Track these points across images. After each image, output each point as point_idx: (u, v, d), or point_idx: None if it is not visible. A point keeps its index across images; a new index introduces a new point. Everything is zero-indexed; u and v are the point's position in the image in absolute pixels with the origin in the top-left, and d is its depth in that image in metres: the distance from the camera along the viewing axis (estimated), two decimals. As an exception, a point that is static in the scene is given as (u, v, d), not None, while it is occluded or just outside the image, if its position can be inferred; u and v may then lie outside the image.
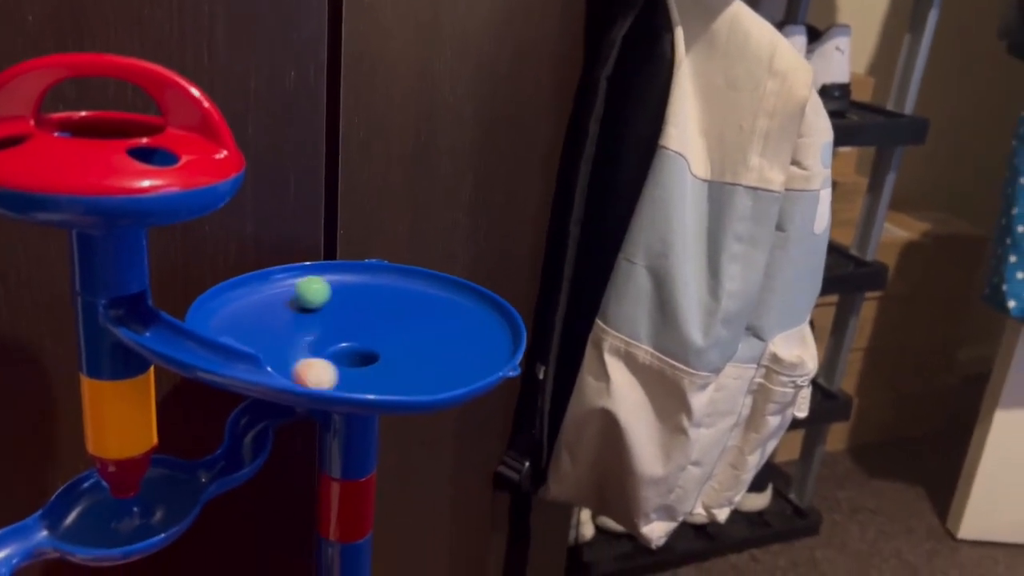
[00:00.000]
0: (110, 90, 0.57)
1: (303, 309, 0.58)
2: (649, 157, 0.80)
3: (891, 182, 1.43)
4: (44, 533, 0.50)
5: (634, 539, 1.41)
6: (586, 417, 0.85)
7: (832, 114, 1.34)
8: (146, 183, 0.41)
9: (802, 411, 0.90)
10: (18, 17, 0.53)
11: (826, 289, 1.43)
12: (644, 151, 0.80)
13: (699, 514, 0.94)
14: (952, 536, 1.65)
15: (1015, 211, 1.33)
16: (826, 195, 0.84)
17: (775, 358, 0.85)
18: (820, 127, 0.81)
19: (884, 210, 1.44)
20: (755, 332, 0.84)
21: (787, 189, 0.80)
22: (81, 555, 0.50)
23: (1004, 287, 1.36)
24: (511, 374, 0.51)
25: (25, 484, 0.63)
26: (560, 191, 0.85)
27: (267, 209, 0.63)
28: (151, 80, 0.43)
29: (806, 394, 0.90)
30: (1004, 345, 1.54)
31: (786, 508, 1.64)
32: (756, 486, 1.61)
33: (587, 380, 0.84)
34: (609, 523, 1.51)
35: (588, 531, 1.48)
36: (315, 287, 0.58)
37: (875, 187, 1.44)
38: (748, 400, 0.87)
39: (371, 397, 0.47)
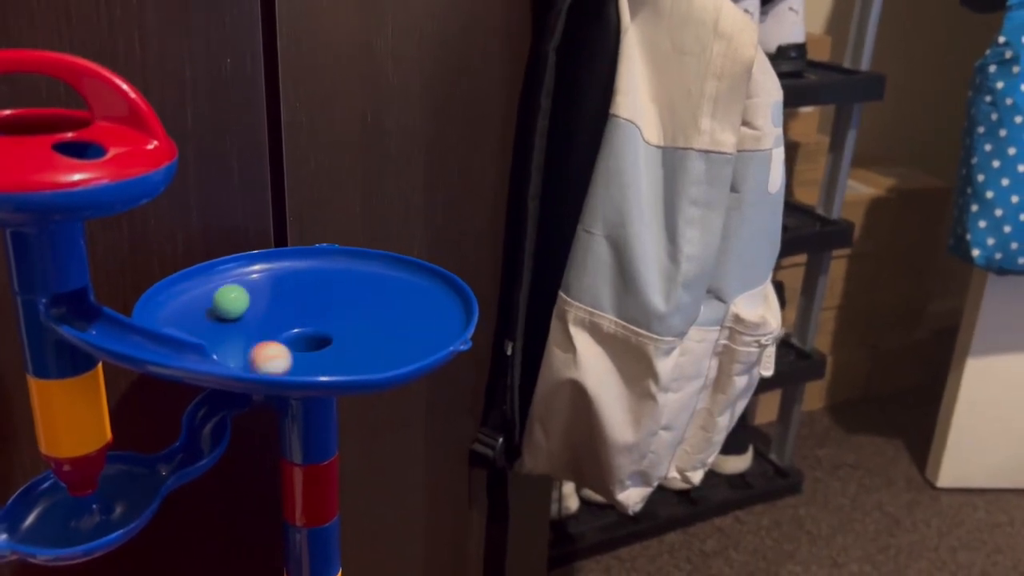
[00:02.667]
0: (42, 86, 0.56)
1: (220, 319, 0.55)
2: (601, 127, 0.80)
3: (852, 139, 1.43)
4: (3, 536, 0.50)
5: (618, 509, 1.42)
6: (555, 389, 0.85)
7: (789, 74, 1.35)
8: (74, 177, 0.41)
9: (768, 370, 0.91)
10: (-59, 18, 0.52)
11: (794, 249, 1.45)
12: (596, 121, 0.80)
13: (673, 478, 0.95)
14: (932, 485, 1.68)
15: (975, 161, 1.34)
16: (779, 154, 0.84)
17: (738, 319, 0.86)
18: (768, 87, 0.81)
19: (847, 168, 1.45)
20: (716, 294, 0.85)
21: (739, 150, 0.81)
22: (42, 556, 0.49)
23: (968, 237, 1.37)
24: (462, 348, 0.51)
25: (-13, 490, 0.62)
26: (516, 166, 0.85)
27: (212, 199, 0.63)
28: (71, 72, 0.42)
29: (771, 353, 0.91)
30: (971, 295, 1.56)
31: (767, 469, 1.66)
32: (736, 448, 1.62)
33: (554, 352, 0.84)
34: (594, 495, 1.52)
35: (573, 504, 1.49)
36: (233, 295, 0.55)
37: (836, 145, 1.45)
38: (714, 362, 0.88)
39: (323, 379, 0.47)
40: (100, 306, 0.48)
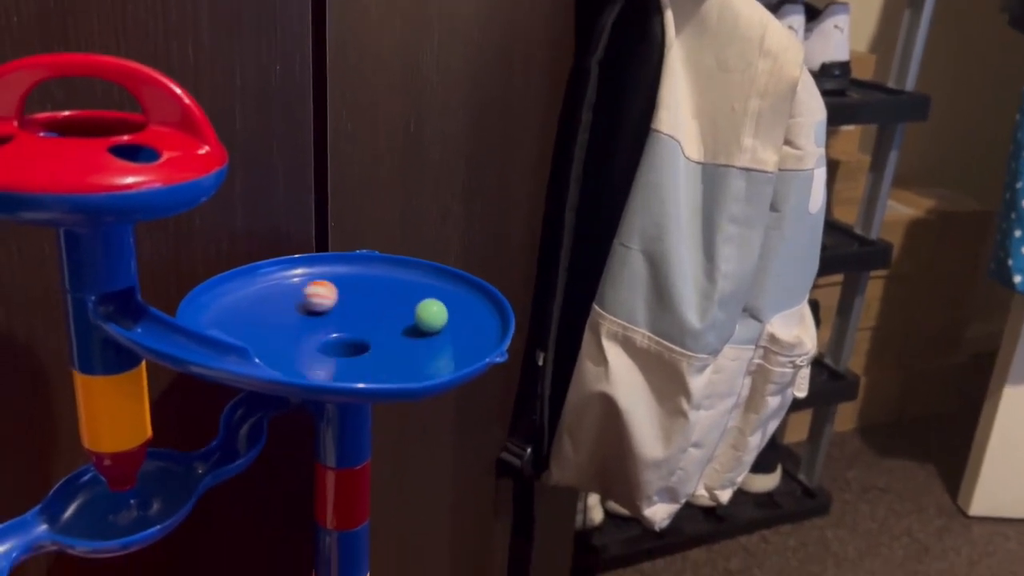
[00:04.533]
0: (97, 89, 0.57)
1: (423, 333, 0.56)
2: (642, 141, 0.80)
3: (894, 160, 1.42)
4: (43, 527, 0.51)
5: (642, 523, 1.41)
6: (586, 402, 0.85)
7: (832, 92, 1.34)
8: (128, 180, 0.42)
9: (801, 391, 0.90)
10: (4, 20, 0.54)
11: (831, 268, 1.43)
12: (637, 135, 0.80)
13: (702, 496, 0.94)
14: (963, 513, 1.65)
15: (1020, 185, 1.32)
16: (820, 174, 0.84)
17: (773, 339, 0.85)
18: (812, 106, 0.81)
19: (887, 188, 1.43)
20: (752, 313, 0.84)
21: (781, 169, 0.80)
22: (80, 548, 0.50)
23: (1010, 262, 1.35)
24: (498, 360, 0.52)
25: (24, 479, 0.64)
26: (554, 178, 0.85)
27: (257, 203, 0.64)
28: (129, 77, 0.43)
29: (805, 374, 0.90)
30: (1011, 321, 1.53)
31: (796, 489, 1.64)
32: (765, 467, 1.61)
33: (586, 365, 0.84)
34: (618, 507, 1.51)
35: (597, 515, 1.49)
36: (434, 309, 0.56)
37: (878, 165, 1.43)
38: (747, 381, 0.88)
39: (361, 386, 0.47)
40: (146, 305, 0.49)
